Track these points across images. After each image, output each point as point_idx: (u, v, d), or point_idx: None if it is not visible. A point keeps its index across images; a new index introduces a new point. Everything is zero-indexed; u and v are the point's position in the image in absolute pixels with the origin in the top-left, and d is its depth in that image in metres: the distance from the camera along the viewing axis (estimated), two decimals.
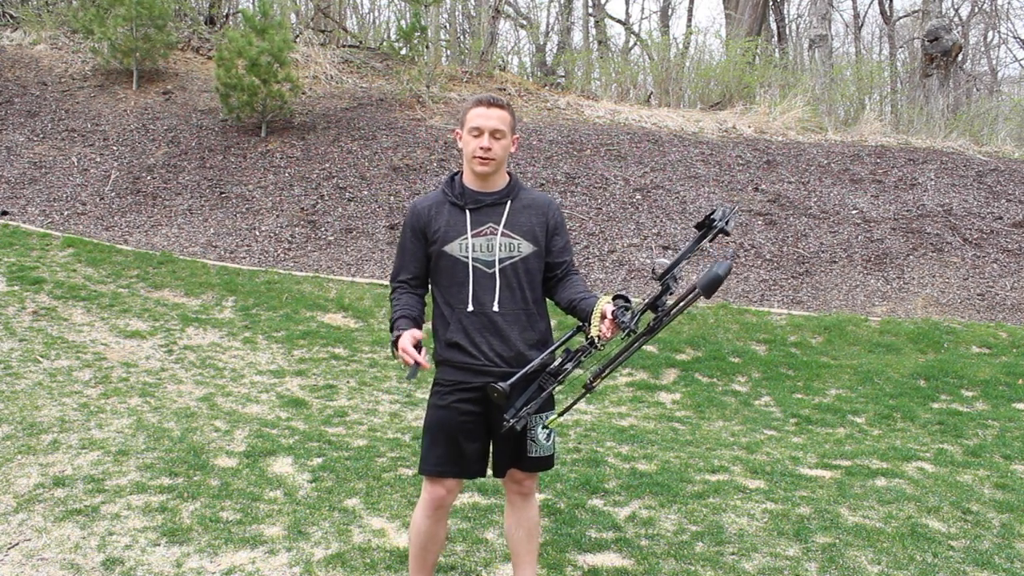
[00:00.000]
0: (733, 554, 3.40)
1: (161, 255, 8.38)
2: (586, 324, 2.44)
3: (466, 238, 2.56)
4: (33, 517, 3.54)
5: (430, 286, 2.70)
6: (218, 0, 14.80)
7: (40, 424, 4.68)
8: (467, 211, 2.59)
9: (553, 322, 2.79)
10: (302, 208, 9.49)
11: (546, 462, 2.66)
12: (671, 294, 2.34)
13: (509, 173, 2.66)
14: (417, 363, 2.47)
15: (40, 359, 5.92)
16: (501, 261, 2.57)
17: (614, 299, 2.40)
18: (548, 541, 3.47)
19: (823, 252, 8.77)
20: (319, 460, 4.37)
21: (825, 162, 10.58)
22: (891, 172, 10.34)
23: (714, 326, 7.20)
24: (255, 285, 7.81)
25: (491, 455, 2.69)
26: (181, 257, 8.43)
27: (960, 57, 18.19)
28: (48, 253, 8.21)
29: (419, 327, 2.59)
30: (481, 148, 2.52)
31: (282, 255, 8.69)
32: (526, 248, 2.60)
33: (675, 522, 3.72)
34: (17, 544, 3.31)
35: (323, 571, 3.17)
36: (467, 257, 2.56)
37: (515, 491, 2.71)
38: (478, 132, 2.53)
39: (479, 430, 2.61)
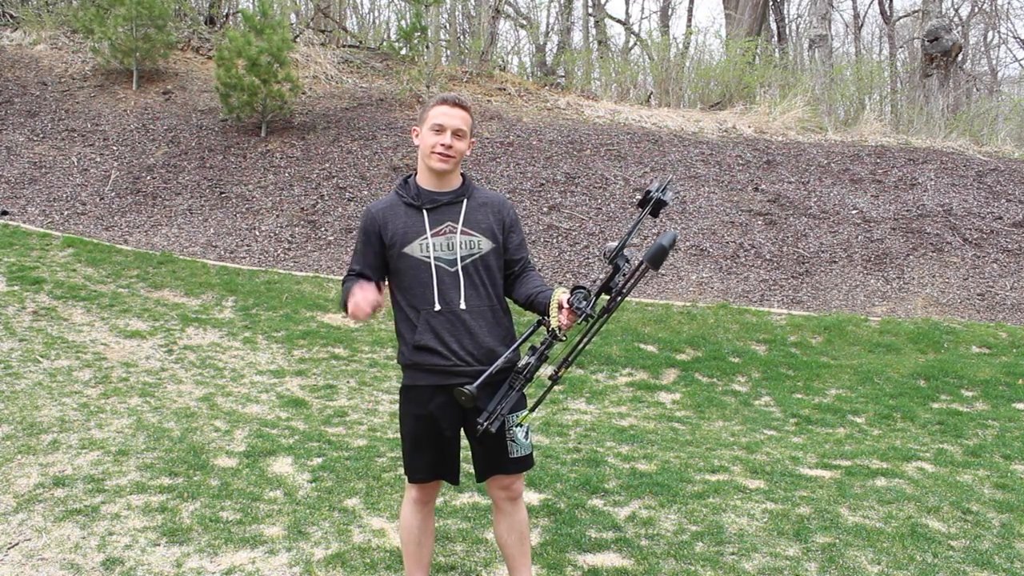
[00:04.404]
0: (733, 554, 3.40)
1: (161, 255, 8.38)
2: (545, 317, 2.46)
3: (426, 238, 2.55)
4: (33, 517, 3.54)
5: (392, 291, 2.66)
6: (218, 0, 14.80)
7: (40, 424, 4.68)
8: (424, 211, 2.57)
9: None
10: (302, 208, 9.49)
11: (527, 461, 2.66)
12: (622, 274, 2.39)
13: (462, 173, 2.66)
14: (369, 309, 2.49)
15: (40, 359, 5.92)
16: (463, 259, 2.56)
17: (573, 290, 2.41)
18: (548, 541, 3.47)
19: (823, 252, 8.76)
20: (319, 460, 4.37)
21: (825, 162, 10.58)
22: (891, 172, 10.34)
23: (714, 326, 7.20)
24: (255, 285, 7.81)
25: (472, 458, 2.69)
26: (181, 257, 8.43)
27: (960, 57, 18.19)
28: (48, 253, 8.21)
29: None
30: (442, 145, 2.52)
31: (282, 255, 8.69)
32: (486, 245, 2.60)
33: (675, 522, 3.72)
34: (17, 544, 3.31)
35: (323, 571, 3.17)
36: (428, 257, 2.54)
37: (504, 496, 2.68)
38: (440, 129, 2.53)
39: (457, 428, 2.64)
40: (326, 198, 9.64)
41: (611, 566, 3.26)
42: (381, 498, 3.88)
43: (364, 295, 2.48)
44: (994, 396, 5.98)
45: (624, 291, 2.38)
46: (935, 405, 5.88)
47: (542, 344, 2.44)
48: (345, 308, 2.54)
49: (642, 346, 6.84)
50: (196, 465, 4.18)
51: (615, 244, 2.38)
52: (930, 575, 3.27)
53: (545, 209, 9.43)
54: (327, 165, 10.23)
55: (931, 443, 5.17)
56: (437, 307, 2.54)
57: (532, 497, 3.97)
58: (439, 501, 3.87)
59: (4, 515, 3.55)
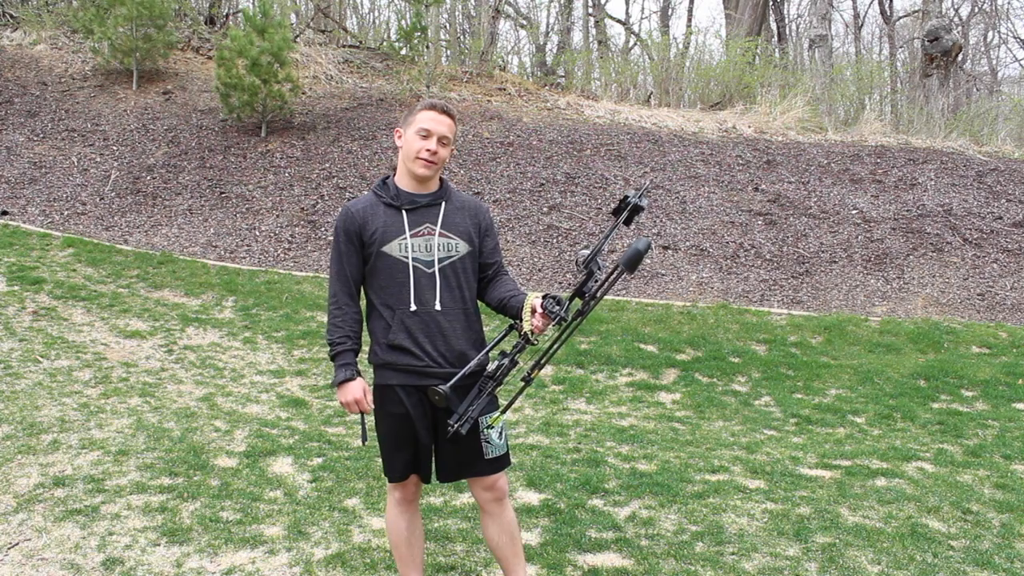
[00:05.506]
0: (733, 554, 3.40)
1: (161, 255, 8.38)
2: (518, 321, 2.49)
3: (405, 238, 2.57)
4: (33, 517, 3.54)
5: (365, 289, 2.68)
6: (218, 0, 14.80)
7: (40, 424, 4.68)
8: (403, 212, 2.59)
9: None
10: (302, 208, 9.50)
11: (504, 460, 2.67)
12: (595, 279, 2.42)
13: (441, 177, 2.68)
14: (365, 424, 2.69)
15: (40, 359, 5.92)
16: (440, 261, 2.58)
17: (545, 296, 2.45)
18: (548, 541, 3.47)
19: (823, 252, 8.77)
20: (319, 460, 4.37)
21: (825, 162, 10.58)
22: (891, 172, 10.34)
23: (714, 326, 7.20)
24: (255, 285, 7.81)
25: (440, 458, 2.69)
26: (181, 257, 8.43)
27: (960, 57, 18.19)
28: (48, 253, 8.21)
29: (358, 353, 2.64)
30: (427, 151, 2.54)
31: (282, 255, 8.69)
32: (463, 248, 2.63)
33: (675, 522, 3.72)
34: (17, 544, 3.31)
35: (323, 571, 3.18)
36: (407, 257, 2.56)
37: (489, 498, 2.68)
38: (427, 134, 2.55)
39: (431, 427, 2.64)
40: (326, 198, 9.64)
41: (611, 566, 3.26)
42: (381, 498, 3.88)
43: (364, 400, 2.59)
44: (994, 396, 5.98)
45: (598, 295, 2.41)
46: (935, 405, 5.88)
47: (514, 348, 2.46)
48: (338, 386, 2.63)
49: (642, 346, 6.84)
50: (196, 465, 4.18)
51: (588, 252, 2.41)
52: (930, 575, 3.28)
53: (545, 209, 9.43)
54: (327, 165, 10.23)
55: (931, 443, 5.17)
56: (413, 307, 2.56)
57: (532, 497, 3.97)
58: (439, 501, 3.87)
59: (4, 515, 3.55)
